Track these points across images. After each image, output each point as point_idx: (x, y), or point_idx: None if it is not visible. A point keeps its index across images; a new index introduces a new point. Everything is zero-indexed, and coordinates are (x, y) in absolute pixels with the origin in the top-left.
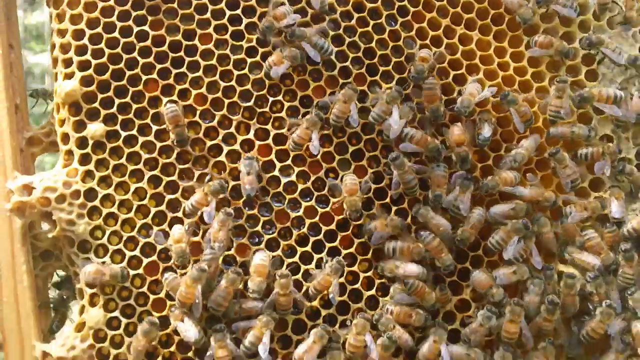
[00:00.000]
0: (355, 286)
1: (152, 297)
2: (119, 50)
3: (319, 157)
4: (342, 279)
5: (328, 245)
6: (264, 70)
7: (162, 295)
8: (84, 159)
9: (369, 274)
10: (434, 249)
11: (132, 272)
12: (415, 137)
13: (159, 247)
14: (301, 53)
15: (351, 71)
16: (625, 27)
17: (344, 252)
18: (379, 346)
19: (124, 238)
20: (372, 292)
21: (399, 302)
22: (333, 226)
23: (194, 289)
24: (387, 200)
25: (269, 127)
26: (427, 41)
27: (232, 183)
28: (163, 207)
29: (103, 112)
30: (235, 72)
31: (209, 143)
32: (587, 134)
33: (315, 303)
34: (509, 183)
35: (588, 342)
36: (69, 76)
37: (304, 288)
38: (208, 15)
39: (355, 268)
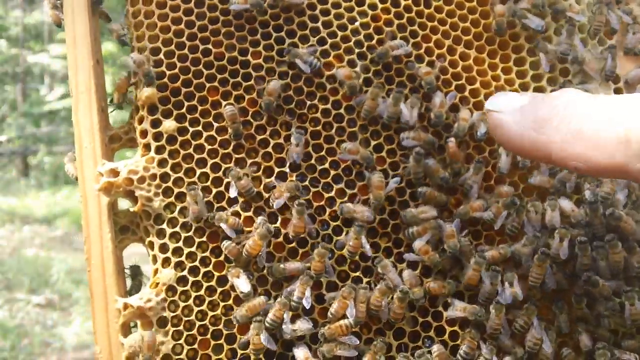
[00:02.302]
0: (377, 254)
1: (213, 260)
2: (187, 63)
3: None
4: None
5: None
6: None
7: (221, 258)
8: (159, 150)
9: (389, 244)
10: (447, 234)
11: (197, 240)
12: (411, 134)
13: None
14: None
15: (372, 81)
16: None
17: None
18: (396, 299)
19: None
20: (392, 259)
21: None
22: None
23: (262, 243)
24: (403, 184)
25: (306, 125)
26: (434, 57)
27: (276, 170)
28: (222, 188)
29: (175, 112)
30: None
31: (258, 138)
32: None
33: (345, 267)
34: (477, 209)
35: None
36: (147, 84)
37: (336, 255)
38: (258, 36)
39: (377, 240)
